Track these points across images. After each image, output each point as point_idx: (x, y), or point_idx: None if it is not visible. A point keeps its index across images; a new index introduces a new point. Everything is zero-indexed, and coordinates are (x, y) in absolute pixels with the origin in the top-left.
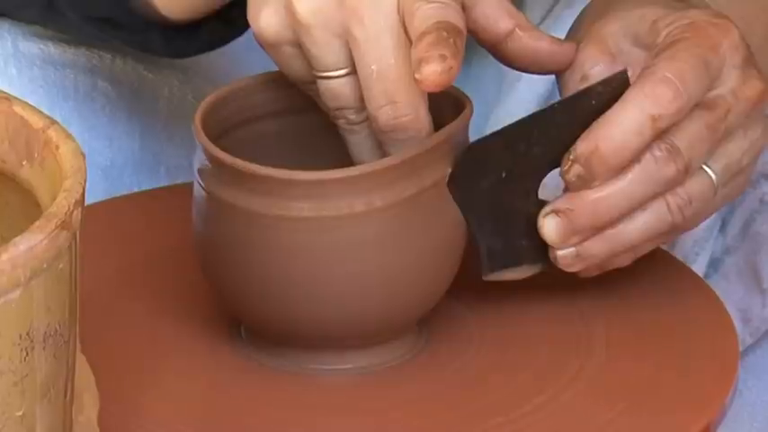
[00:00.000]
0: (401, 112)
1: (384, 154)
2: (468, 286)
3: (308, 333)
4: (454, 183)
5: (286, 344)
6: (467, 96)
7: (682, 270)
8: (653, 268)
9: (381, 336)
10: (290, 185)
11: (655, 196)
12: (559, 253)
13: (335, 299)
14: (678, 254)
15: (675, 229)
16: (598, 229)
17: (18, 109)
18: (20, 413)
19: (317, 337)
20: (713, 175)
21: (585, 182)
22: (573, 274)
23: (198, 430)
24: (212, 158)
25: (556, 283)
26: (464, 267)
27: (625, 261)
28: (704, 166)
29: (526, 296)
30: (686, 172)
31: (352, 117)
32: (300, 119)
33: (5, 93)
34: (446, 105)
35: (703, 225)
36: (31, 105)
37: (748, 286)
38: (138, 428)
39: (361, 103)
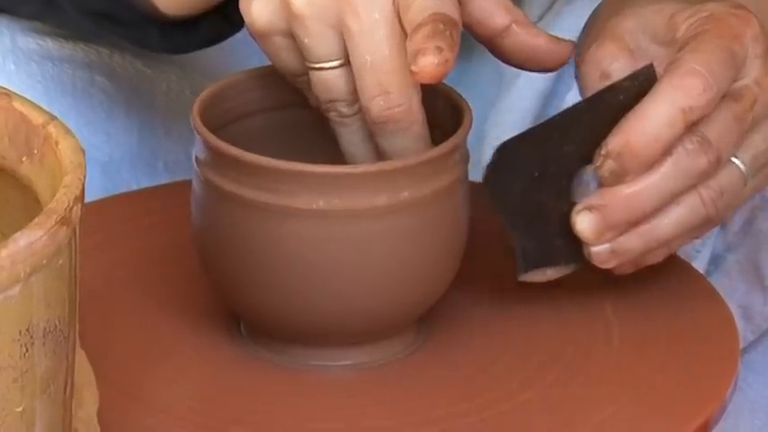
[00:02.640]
0: (394, 103)
1: (375, 147)
2: (470, 283)
3: (309, 328)
4: (488, 184)
5: (286, 339)
6: (464, 100)
7: (683, 267)
8: (655, 266)
9: (382, 332)
10: (301, 178)
11: (687, 189)
12: (594, 249)
13: (339, 293)
14: (680, 251)
15: (708, 223)
16: (632, 224)
17: (18, 105)
18: (19, 409)
19: (319, 332)
20: (742, 166)
21: (618, 177)
22: (576, 274)
23: (197, 425)
24: (216, 151)
25: (556, 282)
26: (466, 265)
27: (659, 257)
28: (733, 158)
29: (527, 292)
30: (717, 164)
31: (344, 110)
32: (289, 114)
33: (5, 89)
34: (442, 107)
35: None
36: (30, 101)
37: (750, 283)
38: (138, 423)
39: (353, 96)
